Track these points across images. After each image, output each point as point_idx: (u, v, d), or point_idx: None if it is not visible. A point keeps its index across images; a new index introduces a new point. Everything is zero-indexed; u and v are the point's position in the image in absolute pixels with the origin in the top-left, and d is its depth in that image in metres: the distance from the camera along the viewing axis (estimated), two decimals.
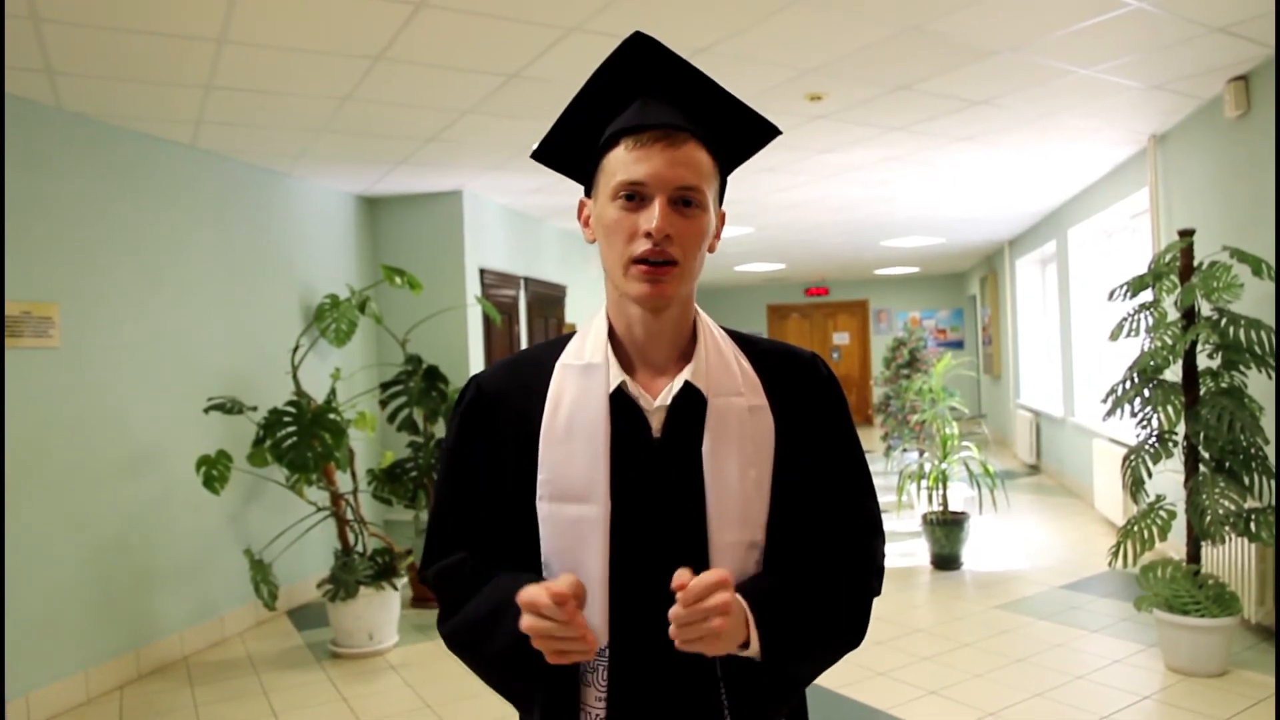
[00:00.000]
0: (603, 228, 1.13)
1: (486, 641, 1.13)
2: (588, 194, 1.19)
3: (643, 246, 1.08)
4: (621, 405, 1.14)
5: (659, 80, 1.14)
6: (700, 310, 1.22)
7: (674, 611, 0.99)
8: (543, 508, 1.14)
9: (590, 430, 1.13)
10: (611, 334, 1.18)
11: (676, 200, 1.09)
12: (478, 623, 1.14)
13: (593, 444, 1.12)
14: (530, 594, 1.00)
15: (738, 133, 1.18)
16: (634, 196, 1.09)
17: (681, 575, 0.99)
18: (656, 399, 1.15)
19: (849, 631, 1.18)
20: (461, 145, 5.03)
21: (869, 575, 1.20)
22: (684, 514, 1.12)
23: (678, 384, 1.14)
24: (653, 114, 1.11)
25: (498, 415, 1.20)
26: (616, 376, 1.14)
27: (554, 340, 1.24)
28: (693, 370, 1.15)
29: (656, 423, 1.14)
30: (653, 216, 1.07)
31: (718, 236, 1.17)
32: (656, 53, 1.14)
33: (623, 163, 1.10)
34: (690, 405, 1.14)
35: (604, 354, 1.16)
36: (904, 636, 4.49)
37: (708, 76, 1.15)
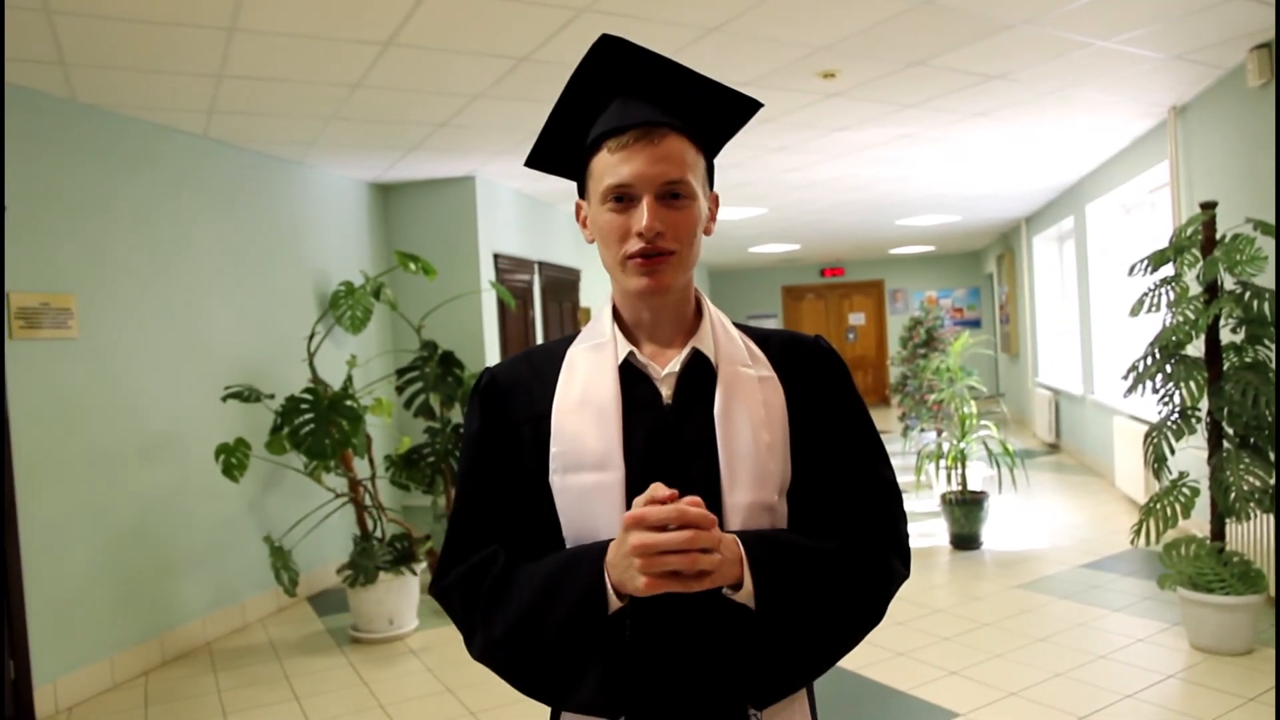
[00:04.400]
0: (598, 231, 1.17)
1: (546, 617, 1.09)
2: (582, 195, 1.23)
3: (636, 245, 1.12)
4: (631, 375, 1.18)
5: (633, 78, 1.17)
6: (704, 296, 1.26)
7: (660, 538, 0.99)
8: (556, 481, 1.16)
9: (601, 400, 1.16)
10: (620, 320, 1.23)
11: (664, 195, 1.12)
12: (534, 601, 1.10)
13: (604, 413, 1.15)
14: (634, 512, 1.01)
15: (718, 114, 1.21)
16: (623, 198, 1.13)
17: (659, 492, 1.01)
18: (665, 368, 1.18)
19: (863, 605, 1.15)
20: (473, 130, 5.01)
21: (888, 553, 1.18)
22: (697, 476, 1.13)
23: (686, 351, 1.18)
24: (630, 113, 1.14)
25: (513, 399, 1.23)
26: (624, 348, 1.19)
27: (567, 336, 1.29)
28: (699, 338, 1.19)
29: (667, 390, 1.18)
30: (642, 216, 1.11)
31: (713, 219, 1.22)
32: (626, 52, 1.17)
33: (607, 166, 1.13)
34: (699, 372, 1.18)
35: (610, 332, 1.20)
36: (924, 616, 4.48)
37: (679, 64, 1.17)
